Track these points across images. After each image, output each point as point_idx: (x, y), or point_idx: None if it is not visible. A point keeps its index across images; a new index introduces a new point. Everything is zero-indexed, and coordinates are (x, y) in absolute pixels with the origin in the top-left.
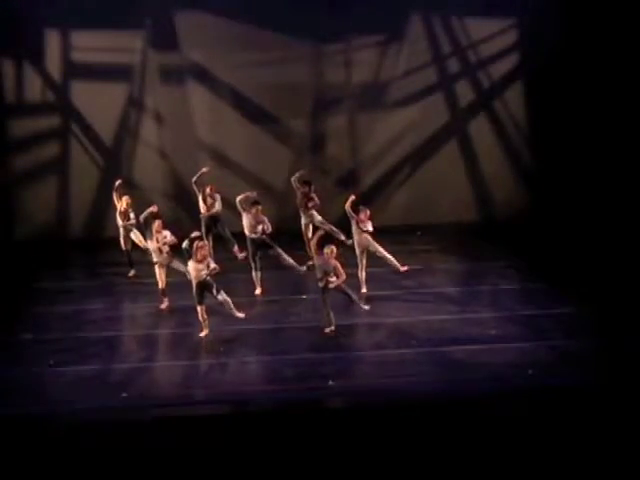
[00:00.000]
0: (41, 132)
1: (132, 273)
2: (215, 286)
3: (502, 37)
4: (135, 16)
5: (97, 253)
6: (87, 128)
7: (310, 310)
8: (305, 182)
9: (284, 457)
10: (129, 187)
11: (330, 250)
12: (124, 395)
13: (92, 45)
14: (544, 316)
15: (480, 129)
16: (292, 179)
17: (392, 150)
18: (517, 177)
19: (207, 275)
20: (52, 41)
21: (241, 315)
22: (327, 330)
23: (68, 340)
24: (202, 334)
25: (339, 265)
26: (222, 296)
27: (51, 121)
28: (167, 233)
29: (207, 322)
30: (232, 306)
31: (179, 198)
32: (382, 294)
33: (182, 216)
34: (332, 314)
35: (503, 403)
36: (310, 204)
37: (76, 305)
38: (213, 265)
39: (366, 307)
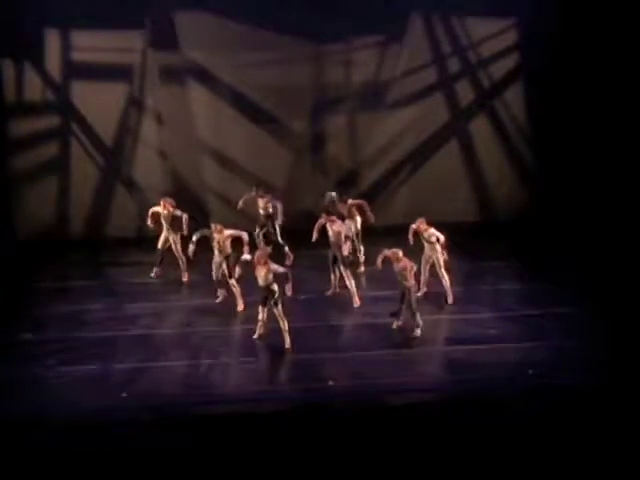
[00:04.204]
0: (41, 132)
1: (155, 272)
2: (277, 298)
3: (502, 37)
4: (135, 16)
5: (97, 253)
6: (87, 128)
7: (311, 310)
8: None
9: (284, 457)
10: (129, 187)
11: (392, 252)
12: (124, 395)
13: (92, 45)
14: (544, 316)
15: (480, 129)
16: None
17: (392, 150)
18: (517, 177)
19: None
20: (52, 41)
21: (288, 346)
22: (417, 333)
23: (68, 340)
24: (254, 336)
25: (409, 268)
26: (278, 311)
27: (51, 121)
28: (230, 231)
29: (262, 325)
30: (287, 329)
31: (179, 198)
32: (382, 294)
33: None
34: (418, 316)
35: (503, 403)
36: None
37: (76, 305)
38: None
39: (417, 333)
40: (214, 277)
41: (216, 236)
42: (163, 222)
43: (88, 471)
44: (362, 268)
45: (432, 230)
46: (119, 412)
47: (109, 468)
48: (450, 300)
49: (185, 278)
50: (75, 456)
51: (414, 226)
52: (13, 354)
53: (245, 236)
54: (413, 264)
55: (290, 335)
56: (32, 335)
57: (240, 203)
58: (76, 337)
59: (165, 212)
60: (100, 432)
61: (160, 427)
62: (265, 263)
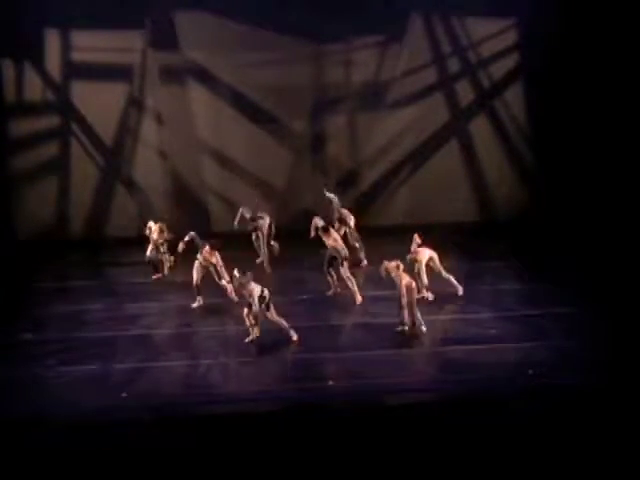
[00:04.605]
0: (41, 132)
1: (156, 276)
2: (267, 302)
3: (502, 37)
4: (135, 16)
5: (97, 253)
6: (87, 128)
7: (311, 310)
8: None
9: (283, 457)
10: (129, 187)
11: (391, 266)
12: (124, 395)
13: (92, 45)
14: (544, 316)
15: (480, 129)
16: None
17: (392, 150)
18: (517, 177)
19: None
20: (52, 41)
21: (295, 338)
22: (422, 329)
23: (68, 340)
24: (247, 339)
25: (402, 280)
26: (271, 314)
27: (51, 121)
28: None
29: (254, 328)
30: (286, 326)
31: (179, 198)
32: (382, 294)
33: (181, 216)
34: (419, 316)
35: (503, 403)
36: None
37: (76, 305)
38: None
39: (423, 329)
40: (194, 282)
41: (204, 252)
42: (151, 243)
43: (88, 471)
44: (364, 263)
45: (421, 265)
46: (119, 412)
47: (109, 468)
48: (460, 292)
49: (168, 264)
50: (75, 456)
51: (412, 252)
52: (13, 354)
53: (226, 276)
54: (410, 279)
55: (291, 330)
56: (32, 335)
57: (235, 223)
58: (76, 337)
59: (154, 236)
60: (100, 432)
61: (160, 427)
62: (246, 289)
